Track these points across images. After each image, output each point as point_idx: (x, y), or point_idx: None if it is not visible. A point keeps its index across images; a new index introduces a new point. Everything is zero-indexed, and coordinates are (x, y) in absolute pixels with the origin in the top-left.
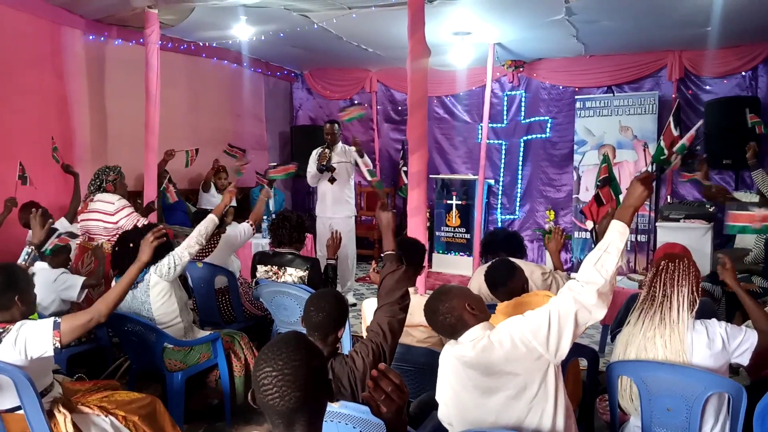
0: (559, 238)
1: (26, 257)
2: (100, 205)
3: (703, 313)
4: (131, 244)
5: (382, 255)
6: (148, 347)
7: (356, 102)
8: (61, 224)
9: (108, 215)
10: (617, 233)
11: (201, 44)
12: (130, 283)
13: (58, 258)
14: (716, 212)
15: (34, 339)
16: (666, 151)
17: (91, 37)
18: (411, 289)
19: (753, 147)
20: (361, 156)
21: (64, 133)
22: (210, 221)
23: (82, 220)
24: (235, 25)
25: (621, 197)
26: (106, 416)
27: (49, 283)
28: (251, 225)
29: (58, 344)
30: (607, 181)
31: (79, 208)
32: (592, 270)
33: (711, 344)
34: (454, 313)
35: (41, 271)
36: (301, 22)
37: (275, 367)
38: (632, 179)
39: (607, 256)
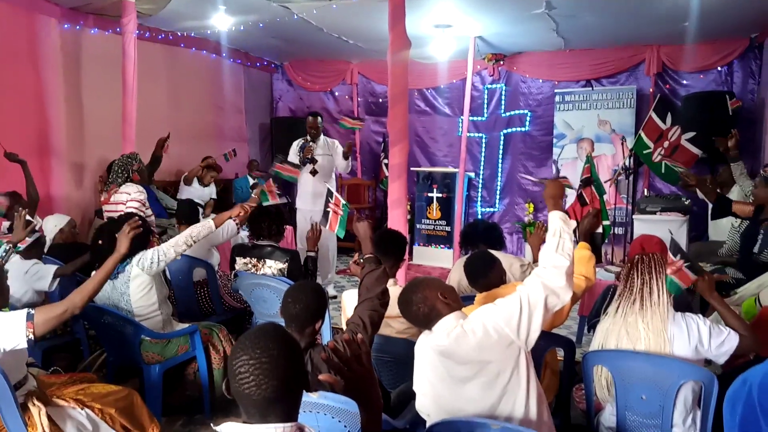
0: (541, 233)
1: (3, 255)
2: (122, 197)
3: (678, 305)
4: (112, 234)
5: (361, 258)
6: (125, 340)
7: (357, 117)
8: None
9: (122, 204)
10: (559, 220)
11: (179, 34)
12: (107, 275)
13: (31, 251)
14: (692, 205)
15: (6, 331)
16: (651, 144)
17: (66, 26)
18: (391, 281)
19: (735, 136)
20: (346, 158)
21: (40, 124)
22: (206, 228)
23: (107, 211)
24: (214, 15)
25: (605, 197)
26: (82, 409)
27: (21, 274)
28: (236, 223)
29: (31, 336)
30: (589, 181)
31: (103, 199)
32: (556, 255)
33: (691, 339)
34: (427, 302)
35: (13, 263)
36: (281, 12)
37: (253, 356)
38: (547, 181)
39: (563, 240)
